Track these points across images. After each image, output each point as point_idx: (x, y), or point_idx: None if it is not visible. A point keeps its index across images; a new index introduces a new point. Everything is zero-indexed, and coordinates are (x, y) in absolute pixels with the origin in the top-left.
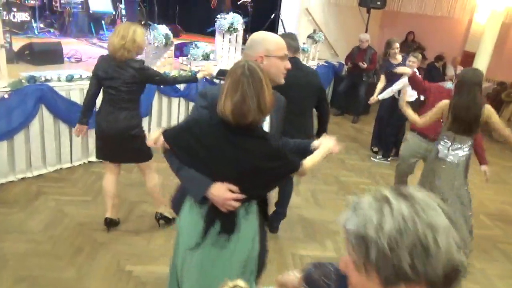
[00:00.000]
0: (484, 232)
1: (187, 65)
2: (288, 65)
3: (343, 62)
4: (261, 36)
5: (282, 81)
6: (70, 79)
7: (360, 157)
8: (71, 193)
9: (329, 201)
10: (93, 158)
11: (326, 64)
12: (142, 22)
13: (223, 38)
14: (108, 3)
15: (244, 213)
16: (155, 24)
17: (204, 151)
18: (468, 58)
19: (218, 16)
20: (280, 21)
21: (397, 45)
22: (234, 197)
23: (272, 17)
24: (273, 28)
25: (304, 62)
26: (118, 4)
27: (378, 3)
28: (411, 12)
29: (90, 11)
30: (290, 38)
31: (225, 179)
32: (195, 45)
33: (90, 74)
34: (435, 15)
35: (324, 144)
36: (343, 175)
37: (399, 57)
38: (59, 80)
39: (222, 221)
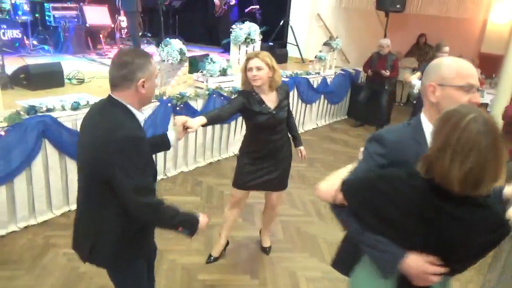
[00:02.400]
0: None
1: (203, 82)
2: (475, 98)
3: (358, 69)
4: (438, 60)
5: None
6: (76, 107)
7: None
8: None
9: None
10: None
11: (343, 72)
12: (140, 33)
13: (239, 50)
14: (106, 16)
15: None
16: (168, 39)
17: (398, 214)
18: (484, 60)
19: (234, 26)
20: (289, 28)
21: (447, 49)
22: (435, 270)
23: (281, 24)
24: (282, 35)
25: (321, 72)
26: (116, 16)
27: (398, 6)
28: (423, 14)
29: (87, 25)
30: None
31: (424, 249)
32: (211, 59)
33: (96, 98)
34: (447, 16)
35: None
36: None
37: None
38: (63, 109)
39: None
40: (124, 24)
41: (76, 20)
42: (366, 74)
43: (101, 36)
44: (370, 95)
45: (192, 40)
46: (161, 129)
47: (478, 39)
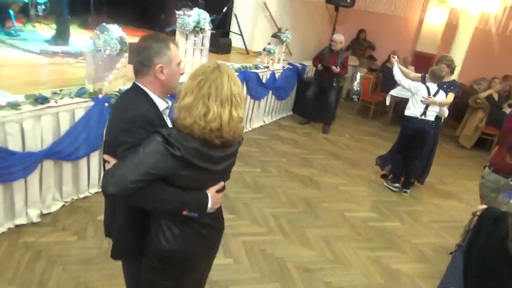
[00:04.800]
0: None
1: None
2: None
3: (304, 63)
4: None
5: None
6: None
7: (352, 181)
8: None
9: (350, 253)
10: (22, 219)
11: (291, 67)
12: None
13: (187, 39)
14: None
15: None
16: (105, 24)
17: None
18: (419, 58)
19: (180, 12)
20: (233, 16)
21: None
22: None
23: (224, 11)
24: (225, 24)
25: (270, 66)
26: None
27: (348, 1)
28: (370, 11)
29: None
30: None
31: None
32: None
33: (9, 95)
34: (386, 14)
35: None
36: (347, 209)
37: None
38: None
39: None
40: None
41: None
42: (315, 69)
43: (11, 12)
44: (318, 91)
45: (121, 22)
46: (95, 134)
47: (414, 38)
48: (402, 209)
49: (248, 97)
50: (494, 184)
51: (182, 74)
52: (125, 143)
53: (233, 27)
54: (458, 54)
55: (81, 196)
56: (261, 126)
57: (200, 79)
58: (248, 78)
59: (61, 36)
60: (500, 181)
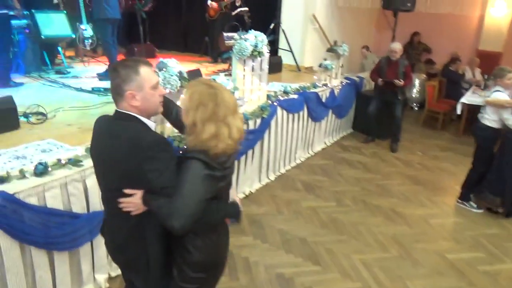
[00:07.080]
0: None
1: None
2: None
3: (361, 76)
4: None
5: None
6: (42, 171)
7: (441, 210)
8: None
9: None
10: (90, 286)
11: (349, 81)
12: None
13: (244, 65)
14: (65, 24)
15: None
16: (163, 60)
17: None
18: (483, 58)
19: (235, 36)
20: (281, 31)
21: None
22: None
23: (271, 27)
24: (273, 40)
25: (328, 83)
26: (78, 24)
27: (408, 4)
28: (433, 12)
29: (42, 37)
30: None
31: None
32: (213, 79)
33: (68, 146)
34: (442, 13)
35: None
36: (447, 249)
37: None
38: (23, 175)
39: None
40: (87, 33)
41: (27, 31)
42: (375, 83)
43: (60, 49)
44: (382, 106)
45: (163, 47)
46: None
47: (475, 36)
48: (510, 244)
49: (309, 119)
50: None
51: (162, 94)
52: (156, 170)
53: (281, 43)
54: None
55: None
56: (323, 149)
57: (211, 106)
58: (308, 98)
59: None
60: None
